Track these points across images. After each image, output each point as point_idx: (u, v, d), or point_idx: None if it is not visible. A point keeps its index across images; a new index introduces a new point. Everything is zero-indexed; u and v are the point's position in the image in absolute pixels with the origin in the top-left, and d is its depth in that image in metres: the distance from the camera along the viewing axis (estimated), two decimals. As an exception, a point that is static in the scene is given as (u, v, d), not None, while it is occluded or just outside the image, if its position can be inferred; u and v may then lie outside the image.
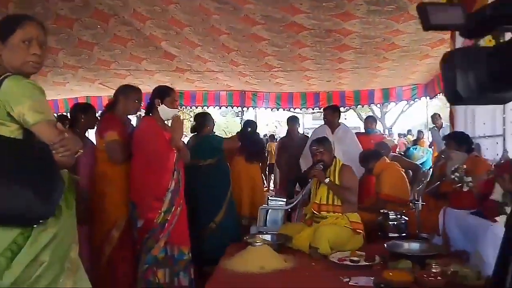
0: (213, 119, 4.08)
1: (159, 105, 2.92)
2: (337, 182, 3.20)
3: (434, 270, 2.37)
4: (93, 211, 2.99)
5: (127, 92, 3.08)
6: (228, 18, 3.87)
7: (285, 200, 3.77)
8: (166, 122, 3.04)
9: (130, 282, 2.91)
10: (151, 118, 2.98)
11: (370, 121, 5.97)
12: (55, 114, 6.30)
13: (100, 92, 7.15)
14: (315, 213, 3.19)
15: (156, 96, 2.96)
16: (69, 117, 3.78)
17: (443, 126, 7.67)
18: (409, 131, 15.47)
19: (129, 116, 3.24)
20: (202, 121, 3.96)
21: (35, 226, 1.49)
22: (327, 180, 3.19)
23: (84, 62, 5.25)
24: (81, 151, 1.62)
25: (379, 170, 3.90)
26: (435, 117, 7.95)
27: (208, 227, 3.70)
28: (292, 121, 5.35)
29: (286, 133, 5.60)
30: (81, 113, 3.32)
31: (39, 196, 1.44)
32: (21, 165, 1.46)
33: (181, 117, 3.25)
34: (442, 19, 0.84)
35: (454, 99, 0.88)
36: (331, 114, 4.68)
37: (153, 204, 2.77)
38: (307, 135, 5.79)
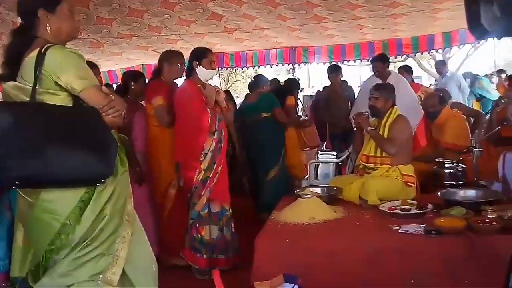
0: (267, 79, 4.57)
1: (197, 67, 3.02)
2: (386, 132, 3.10)
3: (489, 216, 2.30)
4: (151, 171, 3.21)
5: (170, 58, 3.25)
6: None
7: (335, 154, 3.77)
8: (206, 82, 3.14)
9: None
10: (190, 81, 3.10)
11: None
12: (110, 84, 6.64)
13: (154, 59, 7.33)
14: (365, 164, 3.15)
15: (194, 59, 3.08)
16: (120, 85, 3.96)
17: None
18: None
19: (175, 81, 3.37)
20: (255, 83, 4.50)
21: (98, 184, 1.64)
22: (369, 128, 3.12)
23: (136, 30, 5.42)
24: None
25: (444, 119, 3.73)
26: None
27: (266, 176, 4.06)
28: (334, 71, 5.15)
29: (328, 85, 5.41)
30: (132, 80, 3.50)
31: (99, 158, 1.57)
32: (79, 130, 1.58)
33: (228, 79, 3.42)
34: None
35: (481, 34, 0.84)
36: (381, 65, 4.49)
37: (192, 163, 2.94)
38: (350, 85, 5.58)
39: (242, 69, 8.19)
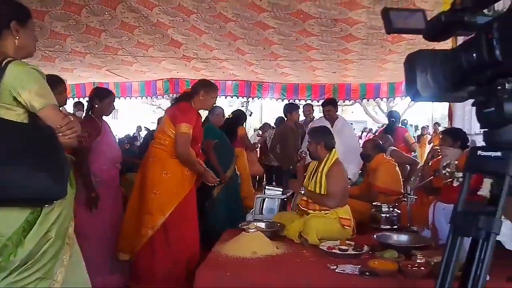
0: (222, 110, 4.52)
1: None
2: (323, 178, 3.18)
3: (418, 261, 2.45)
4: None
5: (209, 88, 3.20)
6: (235, 4, 3.91)
7: (281, 189, 3.86)
8: None
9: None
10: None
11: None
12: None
13: (107, 78, 7.26)
14: (303, 209, 3.24)
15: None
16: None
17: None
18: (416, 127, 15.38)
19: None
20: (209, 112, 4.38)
21: (46, 205, 1.58)
22: (303, 192, 3.21)
23: (92, 48, 5.34)
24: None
25: (376, 165, 3.99)
26: None
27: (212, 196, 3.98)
28: (293, 109, 5.30)
29: (282, 121, 5.57)
30: (98, 99, 3.25)
31: (53, 179, 1.52)
32: (33, 149, 1.53)
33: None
34: (404, 23, 0.91)
35: (414, 97, 0.95)
36: (332, 108, 4.74)
37: None
38: (300, 123, 5.78)
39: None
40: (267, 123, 8.17)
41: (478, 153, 0.85)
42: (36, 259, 1.55)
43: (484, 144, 0.85)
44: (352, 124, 6.70)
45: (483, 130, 0.86)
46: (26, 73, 1.57)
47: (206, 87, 3.19)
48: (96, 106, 3.24)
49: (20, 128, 1.58)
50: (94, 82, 7.44)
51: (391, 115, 5.96)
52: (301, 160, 3.38)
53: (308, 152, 3.36)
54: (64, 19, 4.37)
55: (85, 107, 3.56)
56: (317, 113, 8.46)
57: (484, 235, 0.81)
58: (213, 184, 3.23)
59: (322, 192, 3.17)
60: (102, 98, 3.27)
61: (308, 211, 3.20)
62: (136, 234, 3.03)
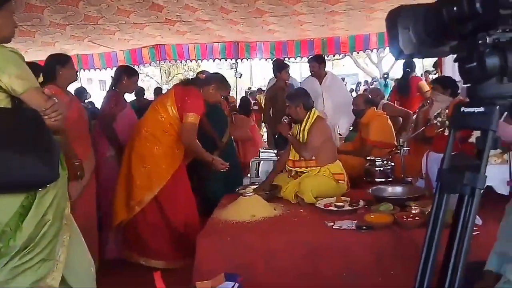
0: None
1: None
2: (305, 136, 3.22)
3: (413, 211, 2.51)
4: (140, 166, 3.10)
5: (222, 85, 3.22)
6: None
7: (275, 152, 3.87)
8: None
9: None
10: None
11: None
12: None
13: (90, 49, 7.06)
14: (294, 169, 3.27)
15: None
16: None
17: None
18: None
19: None
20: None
21: (40, 189, 1.58)
22: (287, 134, 3.27)
23: (71, 19, 5.14)
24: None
25: (367, 119, 3.99)
26: None
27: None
28: (282, 68, 5.12)
29: (274, 82, 5.42)
30: (125, 75, 3.55)
31: (44, 163, 1.52)
32: (21, 133, 1.52)
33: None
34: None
35: (398, 54, 0.93)
36: (317, 65, 4.66)
37: None
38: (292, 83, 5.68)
39: (184, 62, 8.07)
40: (260, 88, 8.06)
41: (462, 109, 0.84)
42: (36, 242, 1.58)
43: (468, 100, 0.84)
44: (344, 78, 6.63)
45: (466, 85, 0.84)
46: (4, 57, 1.54)
47: (219, 83, 3.20)
48: (124, 82, 3.50)
49: (3, 112, 1.55)
50: (78, 55, 7.25)
51: (406, 65, 5.75)
52: (282, 127, 3.35)
53: (289, 118, 3.34)
54: (38, -10, 4.19)
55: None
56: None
57: (469, 191, 0.82)
58: (224, 170, 3.24)
59: None
60: (130, 75, 3.56)
61: (295, 169, 3.25)
62: (126, 206, 3.08)
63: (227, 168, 3.23)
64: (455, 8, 0.77)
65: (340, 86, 4.68)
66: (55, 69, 2.86)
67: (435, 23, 0.83)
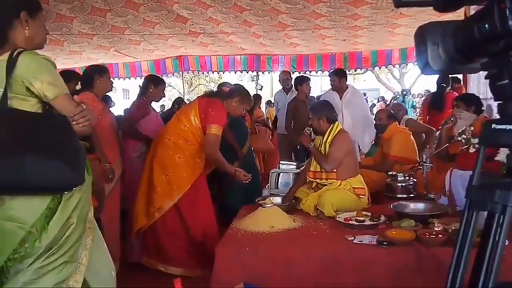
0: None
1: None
2: (327, 149, 3.20)
3: (436, 228, 2.46)
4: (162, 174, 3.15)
5: (245, 99, 3.26)
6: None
7: (295, 164, 3.86)
8: None
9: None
10: None
11: None
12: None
13: (116, 59, 7.25)
14: (316, 181, 3.25)
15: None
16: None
17: None
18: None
19: None
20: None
21: (65, 192, 1.62)
22: (309, 146, 3.25)
23: (98, 29, 5.31)
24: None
25: (390, 134, 3.96)
26: None
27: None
28: (303, 82, 5.19)
29: (295, 96, 5.45)
30: (152, 84, 3.69)
31: (71, 167, 1.56)
32: (50, 138, 1.56)
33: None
34: (413, -5, 0.88)
35: (426, 70, 0.93)
36: (338, 79, 4.66)
37: None
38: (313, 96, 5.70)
39: (206, 73, 8.18)
40: (269, 101, 8.07)
41: (493, 126, 0.83)
42: (60, 244, 1.61)
43: (499, 117, 0.84)
44: (365, 93, 6.59)
45: (497, 102, 0.84)
46: (38, 63, 1.59)
47: (243, 97, 3.24)
48: (151, 90, 3.63)
49: (35, 117, 1.61)
50: (103, 64, 7.44)
51: (442, 79, 5.64)
52: (304, 138, 3.35)
53: (311, 129, 3.34)
54: (69, 1, 4.33)
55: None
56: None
57: (500, 208, 0.81)
58: (246, 182, 3.27)
59: None
60: (156, 84, 3.68)
61: (316, 180, 3.24)
62: (146, 213, 3.13)
63: (249, 180, 3.24)
64: (486, 26, 0.77)
65: (359, 101, 4.67)
66: (93, 77, 3.01)
67: (465, 40, 0.84)
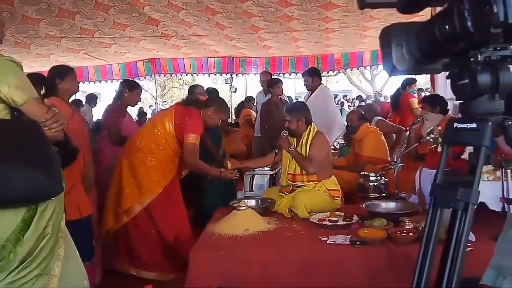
0: (202, 89, 4.56)
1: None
2: (307, 151, 3.19)
3: (407, 227, 2.51)
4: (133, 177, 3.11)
5: (221, 109, 3.27)
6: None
7: (270, 166, 3.86)
8: None
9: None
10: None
11: None
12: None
13: (86, 62, 7.09)
14: (292, 183, 3.23)
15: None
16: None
17: None
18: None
19: None
20: (191, 93, 4.39)
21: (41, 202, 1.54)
22: (289, 148, 3.20)
23: (67, 32, 5.17)
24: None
25: (361, 135, 4.03)
26: None
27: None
28: (275, 84, 5.15)
29: (268, 98, 5.43)
30: (127, 88, 3.64)
31: (47, 175, 1.47)
32: (22, 146, 1.47)
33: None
34: (377, -3, 0.90)
35: (391, 71, 0.95)
36: (311, 79, 4.72)
37: None
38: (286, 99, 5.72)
39: (179, 76, 8.12)
40: (251, 97, 8.00)
41: (455, 126, 0.85)
42: (34, 256, 1.54)
43: (461, 116, 0.86)
44: (337, 95, 6.68)
45: (459, 102, 0.86)
46: (4, 66, 1.50)
47: (219, 107, 3.27)
48: (126, 95, 3.57)
49: (3, 124, 1.51)
50: (73, 67, 7.25)
51: (408, 80, 5.72)
52: (283, 141, 3.32)
53: (287, 131, 3.28)
54: (35, 3, 4.21)
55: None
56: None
57: (463, 206, 0.83)
58: (234, 178, 3.32)
59: None
60: (132, 88, 3.61)
61: (296, 183, 3.22)
62: (114, 215, 3.10)
63: (237, 176, 3.27)
64: (447, 27, 0.79)
65: (329, 101, 4.72)
66: (55, 82, 2.86)
67: (427, 41, 0.85)
